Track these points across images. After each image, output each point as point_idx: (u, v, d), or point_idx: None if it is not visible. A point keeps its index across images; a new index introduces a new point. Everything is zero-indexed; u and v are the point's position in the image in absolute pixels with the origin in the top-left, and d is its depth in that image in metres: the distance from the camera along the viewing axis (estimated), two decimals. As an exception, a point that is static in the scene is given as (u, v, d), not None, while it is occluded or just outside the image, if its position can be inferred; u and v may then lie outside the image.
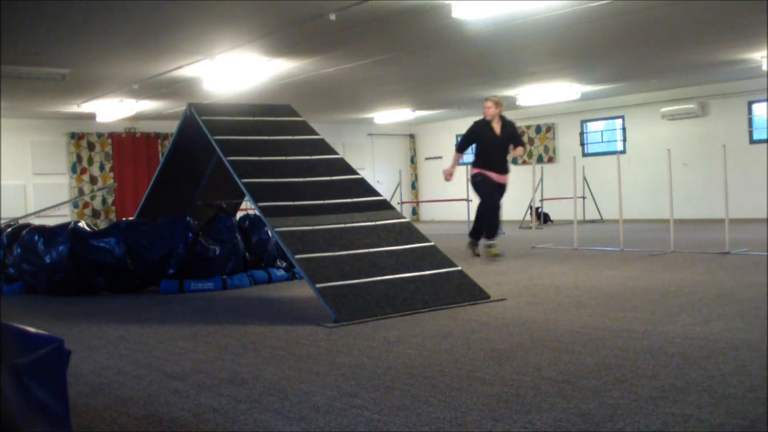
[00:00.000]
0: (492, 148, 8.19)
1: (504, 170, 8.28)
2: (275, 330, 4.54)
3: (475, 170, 8.30)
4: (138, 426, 2.70)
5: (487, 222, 8.20)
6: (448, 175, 8.35)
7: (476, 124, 8.33)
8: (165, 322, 5.09)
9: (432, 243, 5.76)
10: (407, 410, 2.72)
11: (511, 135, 8.32)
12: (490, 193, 8.17)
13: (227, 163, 5.99)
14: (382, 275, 5.18)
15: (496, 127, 8.20)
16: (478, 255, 8.40)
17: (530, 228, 12.27)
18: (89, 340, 4.51)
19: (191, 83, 10.79)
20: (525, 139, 17.73)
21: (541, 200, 15.60)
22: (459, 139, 8.30)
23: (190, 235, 6.81)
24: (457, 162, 8.48)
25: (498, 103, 8.25)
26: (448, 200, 16.89)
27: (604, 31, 8.78)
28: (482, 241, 8.35)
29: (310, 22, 7.50)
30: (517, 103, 14.66)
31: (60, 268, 6.71)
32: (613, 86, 13.97)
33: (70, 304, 6.28)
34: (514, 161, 17.91)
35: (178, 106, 13.44)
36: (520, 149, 8.30)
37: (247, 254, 7.21)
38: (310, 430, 2.56)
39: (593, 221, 15.60)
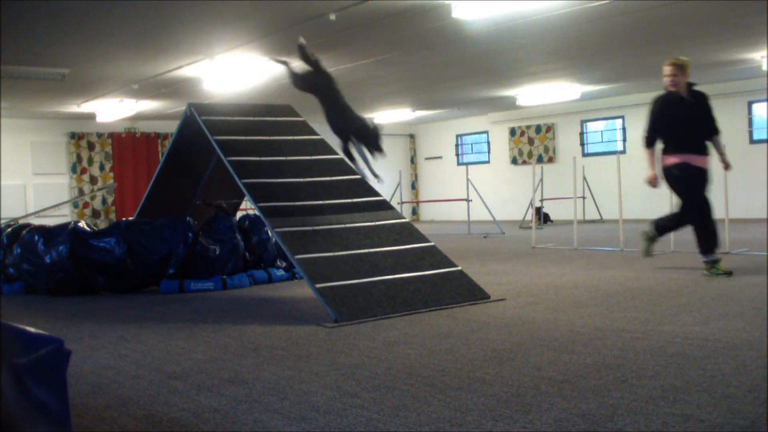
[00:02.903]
0: (691, 125, 6.29)
1: (705, 151, 6.34)
2: (275, 330, 4.54)
3: (673, 158, 6.25)
4: (138, 426, 2.70)
5: (709, 229, 6.23)
6: (654, 180, 6.34)
7: (665, 101, 6.36)
8: (165, 322, 5.09)
9: (432, 243, 5.76)
10: (407, 410, 2.72)
11: (706, 112, 6.40)
12: (702, 196, 6.26)
13: (227, 164, 5.99)
14: (382, 275, 5.18)
15: (687, 97, 6.38)
16: (730, 273, 6.15)
17: (530, 228, 12.27)
18: (89, 340, 4.51)
19: (191, 83, 10.79)
20: (525, 139, 17.72)
21: (541, 200, 15.59)
22: (648, 128, 6.40)
23: (190, 235, 6.81)
24: (653, 159, 6.36)
25: (683, 67, 6.33)
26: (448, 200, 16.90)
27: (604, 31, 8.78)
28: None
29: (310, 22, 7.50)
30: (517, 103, 14.66)
31: (60, 268, 6.71)
32: (613, 86, 13.97)
33: (70, 304, 6.28)
34: (514, 161, 17.99)
35: (178, 106, 13.44)
36: (723, 154, 6.43)
37: (247, 254, 7.21)
38: (310, 430, 2.56)
39: (593, 221, 15.59)
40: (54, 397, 2.11)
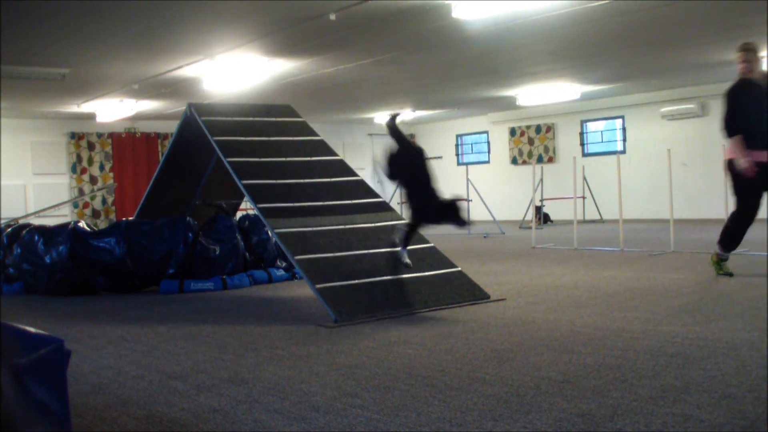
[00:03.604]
0: (763, 115, 5.75)
1: None
2: (275, 330, 4.54)
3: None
4: (138, 426, 2.70)
5: (740, 235, 5.96)
6: (751, 169, 5.66)
7: (742, 89, 5.82)
8: (165, 322, 5.09)
9: (432, 244, 5.76)
10: (407, 410, 2.72)
11: None
12: (758, 197, 5.83)
13: (227, 165, 5.99)
14: (382, 276, 5.18)
15: (764, 85, 5.87)
16: (731, 274, 6.02)
17: (530, 228, 12.27)
18: (89, 340, 4.51)
19: (191, 83, 10.78)
20: (525, 139, 17.72)
21: (542, 200, 15.59)
22: (726, 116, 5.82)
23: (190, 235, 6.81)
24: (741, 147, 5.72)
25: (755, 51, 5.90)
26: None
27: (604, 31, 8.78)
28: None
29: (310, 22, 7.50)
30: (517, 103, 14.66)
31: (60, 268, 6.71)
32: (613, 86, 13.97)
33: (70, 304, 6.28)
34: (514, 161, 17.98)
35: (178, 106, 13.44)
36: None
37: (247, 254, 7.21)
38: (310, 430, 2.56)
39: (593, 221, 15.59)
40: (54, 397, 2.11)
